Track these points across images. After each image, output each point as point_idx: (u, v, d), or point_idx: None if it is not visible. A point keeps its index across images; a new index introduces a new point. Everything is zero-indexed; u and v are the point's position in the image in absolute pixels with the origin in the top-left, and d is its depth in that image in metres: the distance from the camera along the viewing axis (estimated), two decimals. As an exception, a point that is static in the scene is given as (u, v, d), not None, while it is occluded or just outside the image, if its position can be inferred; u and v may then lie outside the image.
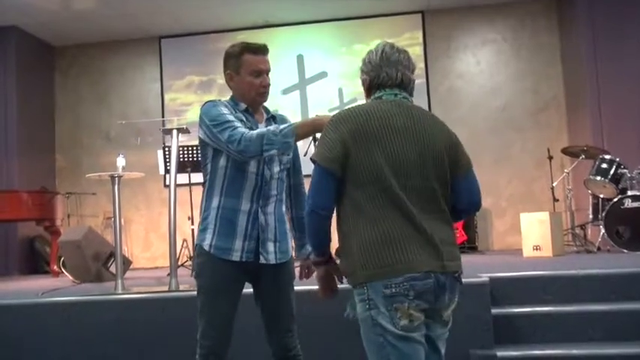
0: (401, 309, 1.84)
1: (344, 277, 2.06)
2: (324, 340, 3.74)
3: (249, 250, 2.48)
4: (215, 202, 2.51)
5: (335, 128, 1.97)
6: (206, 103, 2.56)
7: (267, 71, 2.57)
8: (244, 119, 2.52)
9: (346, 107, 2.09)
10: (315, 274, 2.23)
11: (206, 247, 2.49)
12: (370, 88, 2.12)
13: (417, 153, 1.96)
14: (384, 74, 2.06)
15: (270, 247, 2.51)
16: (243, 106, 2.58)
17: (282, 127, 2.37)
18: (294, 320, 2.59)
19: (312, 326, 3.56)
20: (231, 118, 2.45)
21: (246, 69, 2.53)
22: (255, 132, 2.37)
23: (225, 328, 2.48)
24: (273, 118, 2.67)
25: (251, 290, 2.60)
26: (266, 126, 2.55)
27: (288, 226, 2.64)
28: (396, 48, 2.10)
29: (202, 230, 2.53)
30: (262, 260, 2.49)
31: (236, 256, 2.47)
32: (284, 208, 2.64)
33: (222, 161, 2.48)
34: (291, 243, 2.66)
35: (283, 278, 2.56)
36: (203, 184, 2.60)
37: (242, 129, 2.39)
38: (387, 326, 1.84)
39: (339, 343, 3.73)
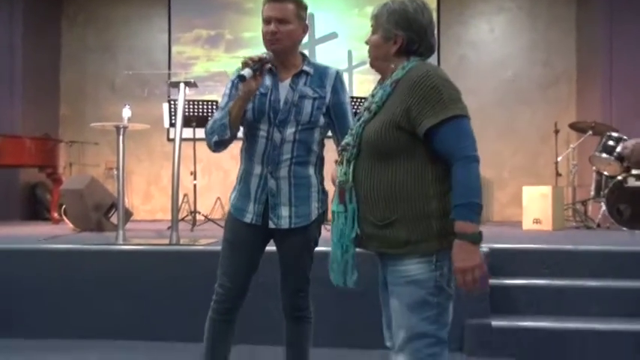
0: None
1: (397, 246, 1.86)
2: (339, 304, 3.67)
3: (258, 214, 2.49)
4: (242, 165, 2.58)
5: (453, 85, 1.85)
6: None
7: (277, 18, 2.38)
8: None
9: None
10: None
11: (230, 205, 2.58)
12: (408, 49, 1.92)
13: None
14: (428, 43, 1.93)
15: (284, 211, 2.47)
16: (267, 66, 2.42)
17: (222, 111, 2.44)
18: (307, 282, 2.59)
19: (329, 290, 3.57)
20: (224, 99, 2.53)
21: (263, 19, 2.45)
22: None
23: (238, 280, 2.52)
24: (305, 74, 2.48)
25: (274, 248, 2.61)
26: (290, 84, 2.47)
27: (315, 188, 2.51)
28: (428, 9, 1.94)
29: (233, 189, 2.61)
30: (272, 225, 2.48)
31: (248, 218, 2.50)
32: (310, 171, 2.51)
33: (244, 127, 2.53)
34: (316, 205, 2.51)
35: (298, 242, 2.52)
36: None
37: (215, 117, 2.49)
38: (446, 287, 1.87)
39: (354, 308, 3.72)
